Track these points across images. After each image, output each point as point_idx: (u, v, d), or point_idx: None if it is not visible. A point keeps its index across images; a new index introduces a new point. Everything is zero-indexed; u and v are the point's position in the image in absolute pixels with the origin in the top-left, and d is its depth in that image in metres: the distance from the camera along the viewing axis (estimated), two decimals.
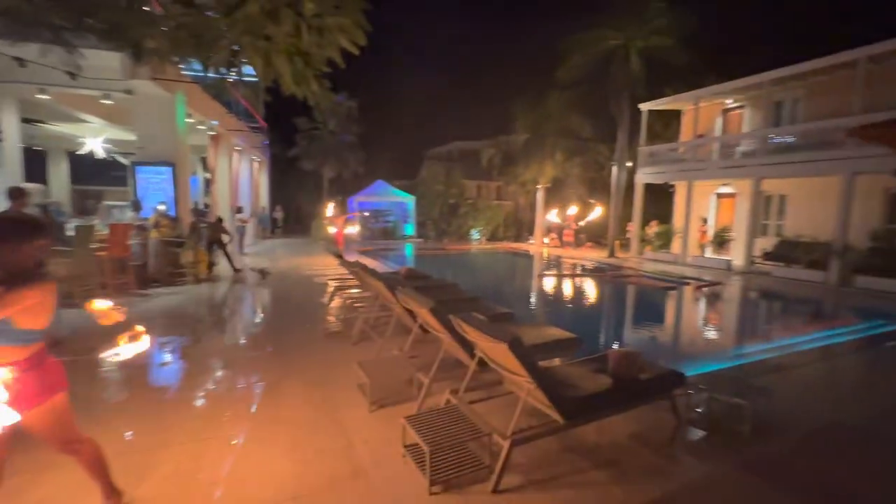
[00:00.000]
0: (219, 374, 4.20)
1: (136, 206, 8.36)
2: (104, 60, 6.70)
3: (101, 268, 6.63)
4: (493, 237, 23.33)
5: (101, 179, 15.07)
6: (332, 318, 5.97)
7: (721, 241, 14.27)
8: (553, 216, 20.51)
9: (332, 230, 18.05)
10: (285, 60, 3.43)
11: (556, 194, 22.86)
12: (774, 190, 14.26)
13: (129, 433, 3.20)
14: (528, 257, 17.21)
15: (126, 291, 6.86)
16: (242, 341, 5.09)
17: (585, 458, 3.04)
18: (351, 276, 7.13)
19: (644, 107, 16.21)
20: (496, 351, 2.70)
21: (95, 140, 11.56)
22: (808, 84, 13.33)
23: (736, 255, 14.14)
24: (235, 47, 3.51)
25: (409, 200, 22.59)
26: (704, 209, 16.14)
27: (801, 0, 26.38)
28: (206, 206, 12.48)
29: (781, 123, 13.98)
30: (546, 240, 20.24)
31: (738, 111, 15.58)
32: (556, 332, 4.13)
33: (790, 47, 22.38)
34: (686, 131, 16.56)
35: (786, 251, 12.59)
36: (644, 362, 3.27)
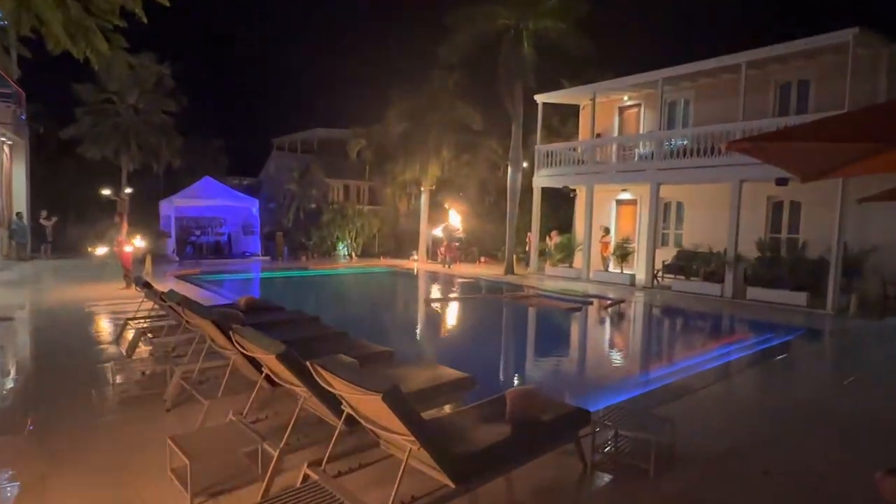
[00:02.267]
0: None
1: None
2: None
3: None
4: (366, 253, 23.25)
5: None
6: (132, 376, 5.52)
7: (623, 254, 15.79)
8: (440, 228, 21.24)
9: (101, 250, 16.72)
10: (52, 2, 2.89)
11: (443, 199, 23.71)
12: (672, 196, 16.11)
13: None
14: (410, 277, 17.65)
15: None
16: None
17: None
18: (164, 314, 6.50)
19: (540, 98, 17.41)
20: (369, 404, 2.63)
21: None
22: (697, 86, 15.65)
23: (638, 269, 15.96)
24: None
25: (252, 205, 21.52)
26: (606, 217, 17.86)
27: None
28: None
29: (675, 126, 16.20)
30: (437, 257, 20.78)
31: (634, 110, 17.61)
32: (445, 373, 4.23)
33: (717, 41, 25.53)
34: (584, 130, 18.22)
35: (684, 262, 14.49)
36: (546, 401, 3.45)
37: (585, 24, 16.10)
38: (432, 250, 21.53)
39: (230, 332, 3.88)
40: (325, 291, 14.36)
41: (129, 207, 12.71)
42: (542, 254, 18.14)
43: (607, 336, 9.37)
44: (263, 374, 3.74)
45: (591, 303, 11.97)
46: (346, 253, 22.49)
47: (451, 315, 10.94)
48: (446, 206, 21.76)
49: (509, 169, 17.88)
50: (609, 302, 11.87)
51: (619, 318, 10.85)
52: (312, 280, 16.06)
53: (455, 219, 20.70)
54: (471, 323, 10.22)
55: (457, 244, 20.22)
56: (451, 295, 13.64)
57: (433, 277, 17.34)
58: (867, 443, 4.37)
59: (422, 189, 21.51)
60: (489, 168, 23.56)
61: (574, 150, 16.84)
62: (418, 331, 9.21)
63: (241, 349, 3.74)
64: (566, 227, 20.17)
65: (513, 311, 11.47)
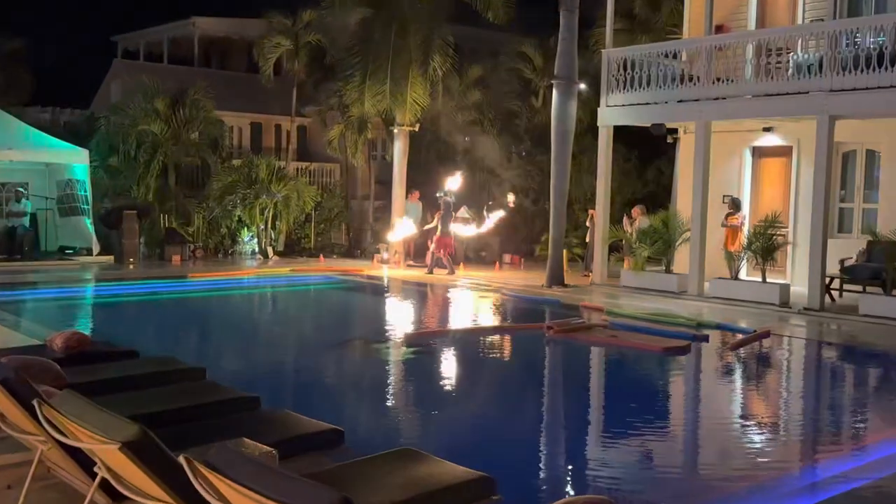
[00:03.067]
0: None
1: None
2: None
3: None
4: (293, 248, 23.50)
5: None
6: None
7: (767, 248, 15.40)
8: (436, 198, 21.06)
9: None
10: None
11: (434, 151, 23.13)
12: (857, 141, 15.88)
13: None
14: (375, 295, 18.65)
15: None
16: None
17: None
18: None
19: None
20: None
21: None
22: None
23: (796, 276, 15.78)
24: None
25: (79, 161, 20.85)
26: (733, 181, 17.71)
27: None
28: None
29: (862, 11, 15.62)
30: (426, 257, 21.09)
31: None
32: (442, 472, 4.55)
33: None
34: (694, 22, 17.65)
35: (882, 262, 13.82)
36: None
37: None
38: (418, 244, 21.62)
39: (36, 404, 4.15)
40: (215, 322, 14.87)
41: None
42: (616, 249, 18.26)
43: (740, 403, 9.66)
44: (98, 480, 3.96)
45: (707, 338, 12.02)
46: (257, 249, 22.55)
47: (448, 366, 11.28)
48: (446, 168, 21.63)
49: (554, 94, 17.72)
50: (742, 338, 11.94)
51: (760, 369, 11.18)
52: (192, 302, 16.45)
53: (456, 183, 20.28)
54: (486, 379, 10.55)
55: (462, 226, 20.12)
56: (448, 328, 13.91)
57: (417, 294, 17.86)
58: None
59: (395, 131, 21.46)
60: (518, 91, 23.43)
61: (673, 56, 16.75)
62: (390, 394, 9.53)
63: (55, 434, 4.04)
64: (659, 199, 19.95)
65: (562, 355, 11.88)
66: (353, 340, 12.85)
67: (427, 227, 20.53)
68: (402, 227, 20.64)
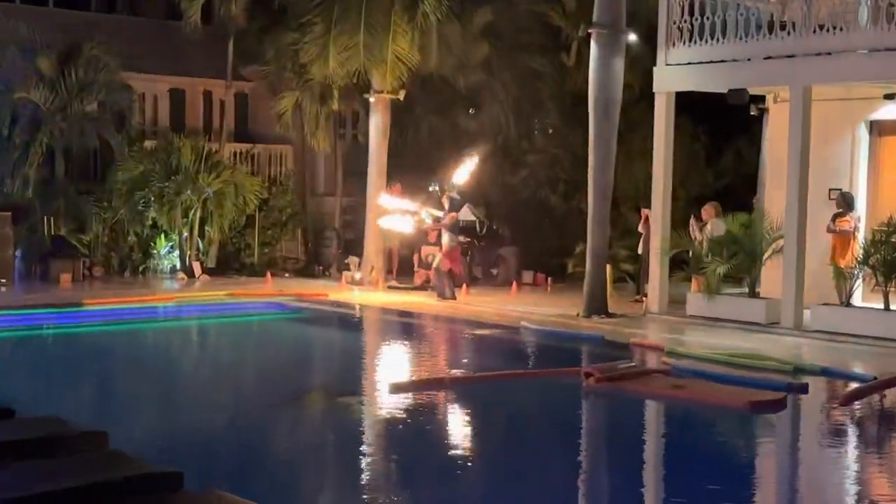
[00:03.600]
0: None
1: None
2: None
3: None
4: (228, 262, 23.52)
5: None
6: None
7: (894, 263, 15.53)
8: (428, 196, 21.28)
9: None
10: None
11: (426, 129, 23.27)
12: None
13: None
14: (345, 327, 18.63)
15: None
16: None
17: None
18: None
19: None
20: None
21: None
22: None
23: None
24: None
25: None
26: (841, 169, 17.78)
27: None
28: None
29: None
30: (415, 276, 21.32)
31: None
32: None
33: None
34: None
35: None
36: None
37: None
38: (403, 256, 22.05)
39: None
40: (119, 368, 14.78)
41: None
42: (680, 265, 18.42)
43: (857, 483, 9.31)
44: None
45: (807, 389, 12.01)
46: (179, 266, 22.66)
47: (445, 431, 11.15)
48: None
49: (592, 48, 17.96)
50: (858, 388, 11.97)
51: (885, 433, 11.13)
52: (88, 340, 16.46)
53: (463, 174, 20.34)
54: (497, 451, 10.33)
55: (465, 240, 20.42)
56: (445, 376, 13.76)
57: (402, 329, 17.94)
58: None
59: (371, 100, 21.73)
60: (542, 45, 23.59)
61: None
62: (361, 470, 9.32)
63: None
64: (739, 195, 20.17)
65: (605, 414, 12.02)
66: (311, 394, 12.98)
67: (424, 225, 20.45)
68: (394, 214, 20.50)
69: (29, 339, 16.04)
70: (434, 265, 19.85)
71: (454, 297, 19.13)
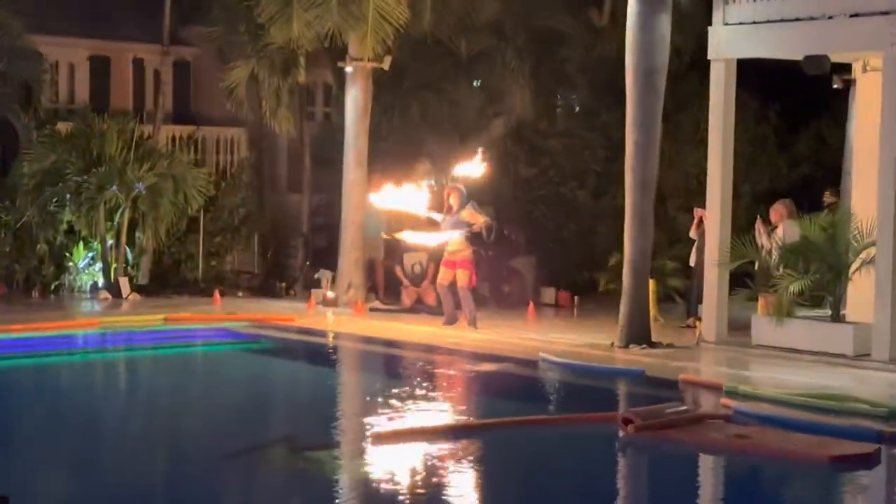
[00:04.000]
0: None
1: None
2: None
3: None
4: (164, 278, 23.91)
5: None
6: None
7: None
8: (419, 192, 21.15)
9: None
10: None
11: (417, 106, 23.43)
12: None
13: None
14: (319, 363, 18.78)
15: None
16: None
17: None
18: None
19: None
20: None
21: None
22: None
23: None
24: None
25: None
26: None
27: None
28: None
29: None
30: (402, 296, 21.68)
31: None
32: None
33: None
34: None
35: None
36: None
37: None
38: (388, 272, 22.41)
39: None
40: (27, 414, 15.04)
41: None
42: (742, 280, 18.22)
43: None
44: None
45: None
46: (103, 283, 22.94)
47: (440, 493, 10.77)
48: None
49: (630, 3, 18.05)
50: None
51: None
52: None
53: (472, 166, 20.46)
54: None
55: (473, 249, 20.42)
56: (443, 423, 14.03)
57: (386, 362, 18.32)
58: None
59: (348, 70, 22.02)
60: (568, 1, 23.88)
61: None
62: None
63: None
64: (819, 190, 20.53)
65: (648, 470, 12.09)
66: (272, 448, 12.90)
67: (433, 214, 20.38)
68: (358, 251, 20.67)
69: None
70: (459, 284, 19.68)
71: (475, 325, 19.26)
